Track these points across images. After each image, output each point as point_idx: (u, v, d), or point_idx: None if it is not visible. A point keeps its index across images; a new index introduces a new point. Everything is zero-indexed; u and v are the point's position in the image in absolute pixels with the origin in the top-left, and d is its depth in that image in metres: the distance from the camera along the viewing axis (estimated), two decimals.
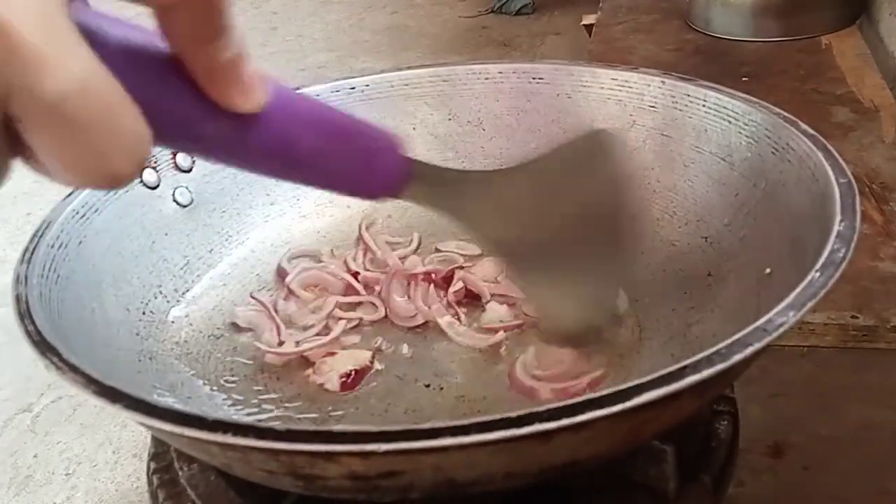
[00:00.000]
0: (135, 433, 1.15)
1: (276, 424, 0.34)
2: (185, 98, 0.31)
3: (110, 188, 0.26)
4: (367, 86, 0.73)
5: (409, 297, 0.63)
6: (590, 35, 1.54)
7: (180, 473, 0.53)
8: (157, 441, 0.55)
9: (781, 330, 0.37)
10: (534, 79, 0.72)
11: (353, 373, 0.56)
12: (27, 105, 0.24)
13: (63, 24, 0.24)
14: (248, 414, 0.54)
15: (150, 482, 0.54)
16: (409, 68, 0.74)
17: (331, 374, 0.56)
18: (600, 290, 0.48)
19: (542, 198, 0.47)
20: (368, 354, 0.58)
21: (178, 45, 0.30)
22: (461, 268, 0.65)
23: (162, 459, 0.54)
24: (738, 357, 0.36)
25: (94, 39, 0.26)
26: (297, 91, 0.37)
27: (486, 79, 0.73)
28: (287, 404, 0.55)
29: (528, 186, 0.47)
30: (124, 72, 0.25)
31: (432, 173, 0.43)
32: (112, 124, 0.25)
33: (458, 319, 0.61)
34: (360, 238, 0.70)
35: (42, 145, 0.25)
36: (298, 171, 0.37)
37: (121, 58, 0.28)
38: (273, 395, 0.56)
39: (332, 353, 0.58)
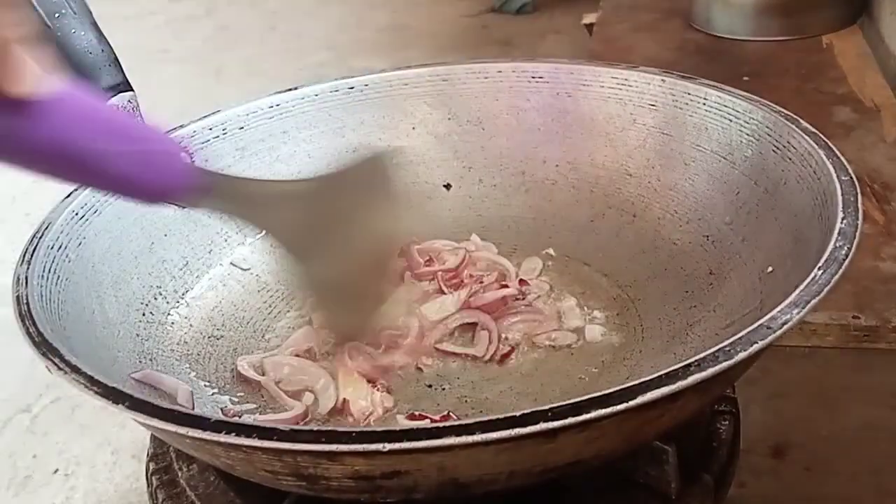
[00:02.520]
0: (134, 434, 1.15)
1: (280, 424, 0.34)
2: None
3: None
4: (367, 85, 0.73)
5: None
6: (590, 34, 1.53)
7: (179, 474, 0.52)
8: (156, 441, 0.55)
9: (785, 328, 0.37)
10: (533, 78, 0.71)
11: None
12: None
13: None
14: (250, 415, 0.54)
15: (149, 483, 0.54)
16: (408, 67, 0.74)
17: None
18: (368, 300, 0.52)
19: (332, 211, 0.48)
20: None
21: None
22: None
23: (161, 460, 0.54)
24: (742, 355, 0.36)
25: None
26: (80, 93, 0.37)
27: (486, 78, 0.73)
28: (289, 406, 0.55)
29: (321, 200, 0.48)
30: None
31: (222, 183, 0.44)
32: None
33: None
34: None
35: None
36: (76, 171, 0.37)
37: None
38: (273, 397, 0.56)
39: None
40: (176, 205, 0.42)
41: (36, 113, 0.33)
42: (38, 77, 0.32)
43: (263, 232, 0.49)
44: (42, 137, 0.34)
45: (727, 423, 0.54)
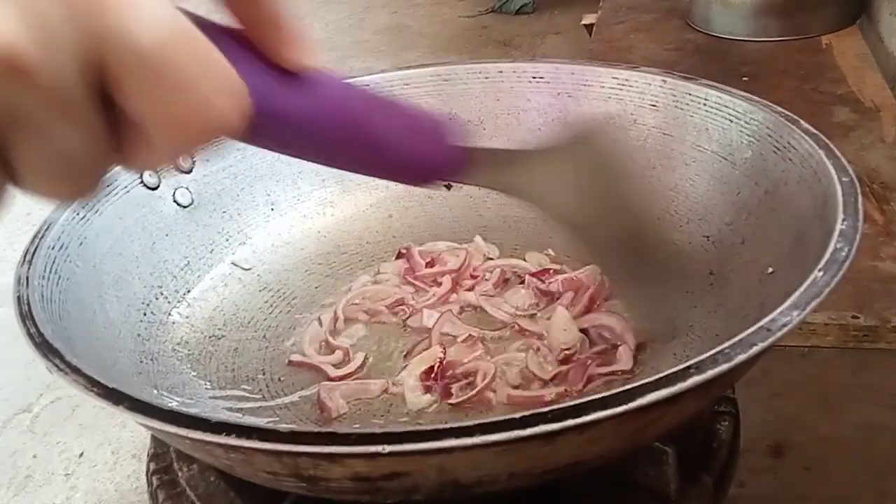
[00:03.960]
0: (134, 434, 1.15)
1: (280, 426, 0.34)
2: (252, 64, 0.30)
3: (214, 137, 0.25)
4: (367, 85, 0.72)
5: None
6: (590, 34, 1.53)
7: (180, 474, 0.52)
8: (156, 441, 0.55)
9: (785, 330, 0.37)
10: (534, 78, 0.71)
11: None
12: (123, 58, 0.23)
13: None
14: (251, 415, 0.54)
15: (149, 483, 0.54)
16: (409, 68, 0.74)
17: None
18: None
19: (585, 177, 0.48)
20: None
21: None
22: None
23: (161, 460, 0.54)
24: (741, 357, 0.36)
25: None
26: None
27: (487, 78, 0.73)
28: (290, 407, 0.55)
29: (570, 165, 0.47)
30: None
31: (486, 154, 0.44)
32: (209, 69, 0.24)
33: None
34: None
35: (143, 103, 0.24)
36: (363, 150, 0.37)
37: None
38: (275, 397, 0.56)
39: None
40: (443, 183, 0.42)
41: (315, 85, 0.32)
42: (312, 50, 0.32)
43: (530, 202, 0.48)
44: (325, 110, 0.34)
45: (727, 423, 0.54)
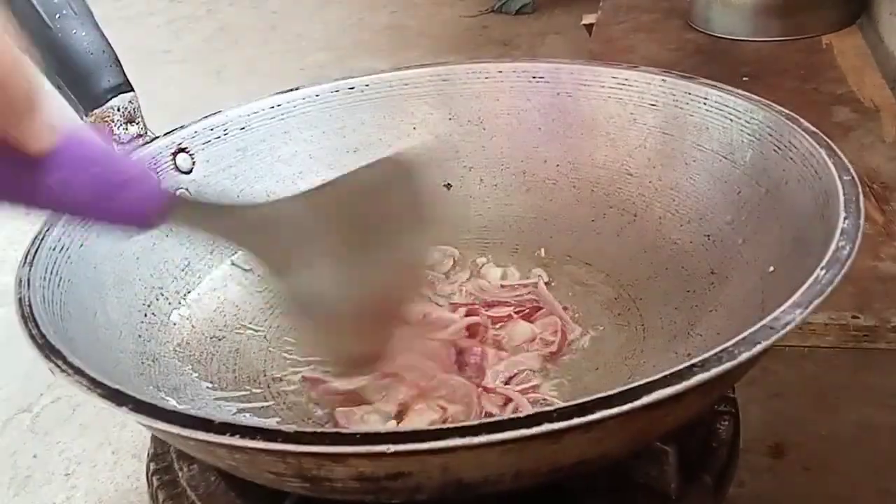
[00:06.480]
0: (134, 434, 1.15)
1: (284, 426, 0.34)
2: None
3: None
4: (367, 86, 0.72)
5: None
6: (590, 34, 1.54)
7: (180, 474, 0.52)
8: (156, 442, 0.55)
9: (788, 328, 0.37)
10: (534, 78, 0.71)
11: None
12: None
13: None
14: (253, 416, 0.54)
15: (149, 483, 0.54)
16: (408, 68, 0.74)
17: None
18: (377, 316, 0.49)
19: (329, 223, 0.46)
20: None
21: None
22: None
23: (162, 460, 0.54)
24: (745, 355, 0.36)
25: None
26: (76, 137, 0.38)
27: (486, 78, 0.73)
28: (292, 407, 0.55)
29: (314, 213, 0.46)
30: None
31: (193, 206, 0.46)
32: None
33: None
34: None
35: None
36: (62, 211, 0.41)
37: None
38: (277, 397, 0.56)
39: None
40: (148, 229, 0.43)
41: (44, 166, 0.35)
42: (53, 130, 0.33)
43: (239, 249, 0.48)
44: (44, 188, 0.36)
45: (727, 423, 0.54)
